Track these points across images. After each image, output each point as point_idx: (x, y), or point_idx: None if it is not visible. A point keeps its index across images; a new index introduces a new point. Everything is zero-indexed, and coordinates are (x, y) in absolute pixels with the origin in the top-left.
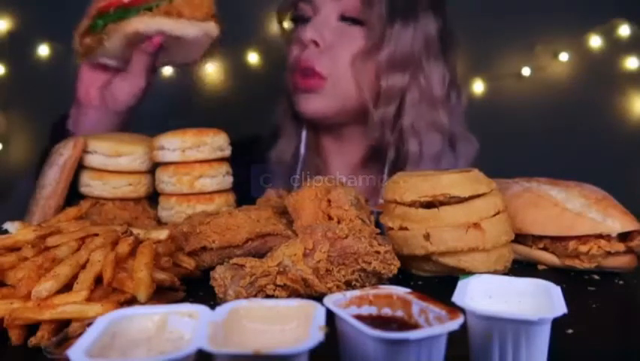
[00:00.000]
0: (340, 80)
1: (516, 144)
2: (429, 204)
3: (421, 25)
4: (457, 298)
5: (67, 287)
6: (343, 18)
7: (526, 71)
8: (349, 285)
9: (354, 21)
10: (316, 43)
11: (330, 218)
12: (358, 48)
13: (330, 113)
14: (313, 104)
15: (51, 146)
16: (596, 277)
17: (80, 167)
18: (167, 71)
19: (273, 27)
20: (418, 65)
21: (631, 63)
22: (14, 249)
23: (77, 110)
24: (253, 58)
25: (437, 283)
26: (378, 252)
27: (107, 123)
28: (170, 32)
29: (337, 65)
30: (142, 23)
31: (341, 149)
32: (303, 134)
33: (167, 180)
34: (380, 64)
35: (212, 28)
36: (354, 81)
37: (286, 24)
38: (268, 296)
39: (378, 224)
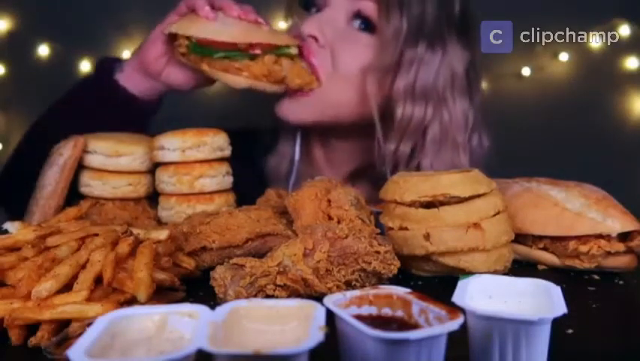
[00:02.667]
0: (337, 84)
1: (516, 144)
2: (429, 204)
3: (449, 55)
4: (457, 298)
5: (67, 287)
6: (358, 16)
7: (526, 71)
8: (349, 285)
9: (367, 24)
10: (315, 39)
11: (330, 218)
12: (367, 58)
13: (317, 122)
14: (297, 111)
15: (96, 76)
16: (596, 277)
17: (80, 167)
18: None
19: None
20: (442, 98)
21: (631, 63)
22: (14, 249)
23: (137, 71)
24: None
25: (437, 283)
26: (378, 252)
27: (154, 92)
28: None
29: (337, 66)
30: (245, 84)
31: (330, 159)
32: (298, 139)
33: (167, 180)
34: (398, 88)
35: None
36: (359, 93)
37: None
38: (268, 296)
39: (378, 224)
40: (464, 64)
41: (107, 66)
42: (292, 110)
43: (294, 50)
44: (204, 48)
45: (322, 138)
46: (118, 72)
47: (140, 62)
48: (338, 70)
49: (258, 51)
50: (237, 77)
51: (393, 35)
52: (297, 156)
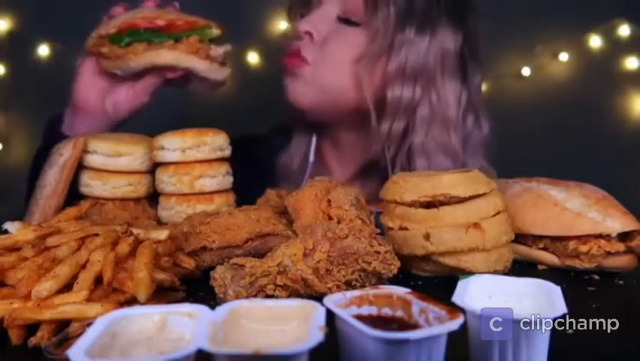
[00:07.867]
0: (329, 71)
1: (516, 144)
2: (429, 204)
3: (438, 37)
4: (457, 298)
5: (67, 287)
6: (340, 19)
7: (526, 71)
8: (349, 285)
9: (350, 22)
10: (311, 36)
11: (330, 218)
12: (357, 49)
13: (317, 103)
14: (297, 90)
15: (45, 145)
16: (596, 277)
17: (80, 167)
18: None
19: (274, 27)
20: (432, 79)
21: (631, 63)
22: (14, 249)
23: (74, 115)
24: (253, 58)
25: (437, 283)
26: (378, 252)
27: (100, 131)
28: (199, 73)
29: (327, 57)
30: (174, 59)
31: (339, 157)
32: (313, 140)
33: (167, 180)
34: (389, 71)
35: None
36: (353, 80)
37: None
38: (268, 296)
39: (378, 224)
40: (455, 45)
41: (55, 120)
42: (297, 91)
43: (215, 32)
44: (126, 33)
45: (331, 134)
46: (62, 124)
47: (76, 104)
48: (329, 61)
49: (179, 30)
50: (164, 51)
51: (381, 25)
52: (311, 157)
